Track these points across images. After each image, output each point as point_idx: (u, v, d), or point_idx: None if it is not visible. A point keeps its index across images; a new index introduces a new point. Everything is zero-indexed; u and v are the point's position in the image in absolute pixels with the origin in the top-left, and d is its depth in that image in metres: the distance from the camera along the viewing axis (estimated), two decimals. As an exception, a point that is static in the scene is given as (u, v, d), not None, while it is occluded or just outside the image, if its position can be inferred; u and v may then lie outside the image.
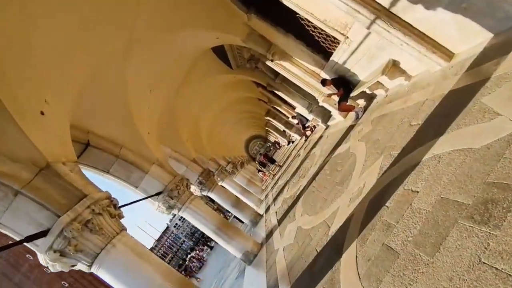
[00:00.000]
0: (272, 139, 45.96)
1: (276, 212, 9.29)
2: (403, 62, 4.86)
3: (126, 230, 4.32)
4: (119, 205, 4.53)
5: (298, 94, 11.11)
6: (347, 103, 6.91)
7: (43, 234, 3.51)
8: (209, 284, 14.87)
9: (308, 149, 11.88)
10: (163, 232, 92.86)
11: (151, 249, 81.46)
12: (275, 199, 11.48)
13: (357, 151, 5.30)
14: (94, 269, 3.80)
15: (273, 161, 21.43)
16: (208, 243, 46.53)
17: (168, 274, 4.00)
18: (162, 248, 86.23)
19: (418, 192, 2.70)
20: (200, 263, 35.55)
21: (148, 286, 3.81)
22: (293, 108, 14.79)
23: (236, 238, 7.78)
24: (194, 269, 31.57)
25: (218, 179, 15.50)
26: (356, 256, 2.90)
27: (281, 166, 19.63)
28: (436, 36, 3.89)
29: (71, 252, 3.58)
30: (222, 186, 14.52)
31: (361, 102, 7.35)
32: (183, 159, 11.71)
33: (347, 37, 5.34)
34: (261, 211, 12.92)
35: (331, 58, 6.56)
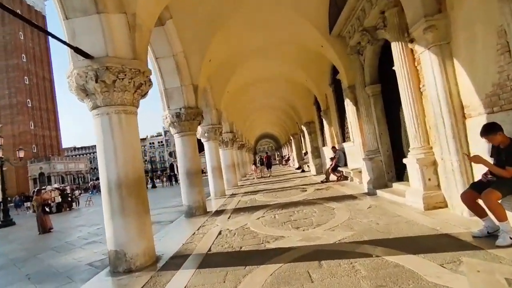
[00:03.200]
0: (285, 152, 42.04)
1: (221, 232, 5.59)
2: None
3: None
4: None
5: (376, 127, 7.21)
6: (500, 200, 3.04)
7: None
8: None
9: (322, 196, 8.07)
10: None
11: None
12: (237, 211, 7.76)
13: None
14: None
15: (269, 167, 20.74)
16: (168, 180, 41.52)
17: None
18: None
19: None
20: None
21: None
22: (344, 139, 10.92)
23: (130, 223, 4.10)
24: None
25: (206, 134, 11.89)
26: None
27: (270, 176, 19.51)
28: None
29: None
30: (200, 143, 10.89)
31: None
32: (186, 74, 8.06)
33: None
34: (213, 206, 9.23)
35: None
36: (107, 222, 4.18)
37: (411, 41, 4.61)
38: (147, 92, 4.73)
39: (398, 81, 5.31)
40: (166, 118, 8.10)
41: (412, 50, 5.00)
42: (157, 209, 12.63)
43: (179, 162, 8.35)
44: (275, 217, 6.23)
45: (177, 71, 7.92)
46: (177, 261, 4.23)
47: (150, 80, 4.64)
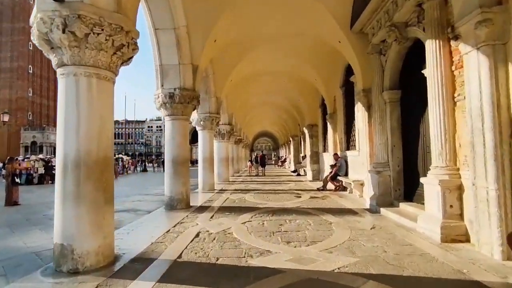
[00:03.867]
0: (282, 153, 41.31)
1: (199, 234, 4.82)
2: None
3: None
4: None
5: (389, 138, 6.43)
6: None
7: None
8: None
9: (318, 207, 7.30)
10: (138, 121, 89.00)
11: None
12: (222, 210, 7.00)
13: None
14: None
15: (263, 165, 21.01)
16: (160, 165, 38.64)
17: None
18: (116, 129, 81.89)
19: None
20: (121, 171, 31.26)
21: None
22: (348, 147, 10.14)
23: (84, 213, 3.32)
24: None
25: (201, 123, 11.09)
26: None
27: (263, 175, 20.02)
28: None
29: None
30: (195, 132, 10.13)
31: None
32: (186, 52, 7.25)
33: None
34: (197, 201, 8.45)
35: None
36: (57, 208, 3.37)
37: (456, 38, 3.82)
38: (131, 58, 3.92)
39: (428, 87, 4.53)
40: (158, 97, 7.29)
41: (450, 52, 4.22)
42: (139, 195, 11.86)
43: (166, 148, 7.55)
44: (263, 224, 5.45)
45: (177, 47, 7.11)
46: (137, 265, 3.44)
47: (135, 44, 3.82)
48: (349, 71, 9.48)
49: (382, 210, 6.11)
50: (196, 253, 3.87)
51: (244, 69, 11.76)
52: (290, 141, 26.81)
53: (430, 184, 4.35)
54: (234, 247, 4.09)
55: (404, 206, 5.87)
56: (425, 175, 5.28)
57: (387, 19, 5.85)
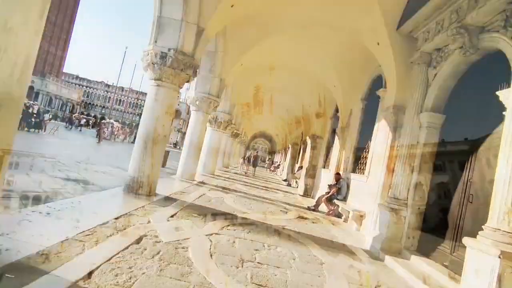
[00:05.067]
0: (277, 158, 39.94)
1: (142, 238, 3.46)
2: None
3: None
4: None
5: (416, 172, 5.05)
6: None
7: None
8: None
9: (307, 232, 5.94)
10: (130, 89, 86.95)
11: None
12: (190, 208, 5.63)
13: None
14: None
15: (255, 165, 21.52)
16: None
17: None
18: (110, 92, 77.53)
19: None
20: (108, 136, 29.72)
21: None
22: (354, 169, 8.77)
23: None
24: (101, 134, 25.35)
25: (197, 102, 9.73)
26: None
27: (253, 175, 20.00)
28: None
29: None
30: (189, 113, 8.75)
31: None
32: (194, 8, 5.98)
33: None
34: (167, 189, 7.03)
35: None
36: None
37: None
38: None
39: (506, 117, 3.17)
40: (148, 55, 5.90)
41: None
42: (109, 166, 10.47)
43: (142, 119, 6.16)
44: (234, 242, 4.07)
45: (185, 5, 5.73)
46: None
47: None
48: (376, 83, 8.17)
49: (387, 258, 4.76)
50: (117, 275, 2.50)
51: (258, 57, 10.37)
52: (288, 148, 25.46)
53: (481, 251, 2.99)
54: (179, 276, 2.72)
55: (417, 260, 4.52)
56: (457, 231, 3.99)
57: (454, 20, 4.49)
